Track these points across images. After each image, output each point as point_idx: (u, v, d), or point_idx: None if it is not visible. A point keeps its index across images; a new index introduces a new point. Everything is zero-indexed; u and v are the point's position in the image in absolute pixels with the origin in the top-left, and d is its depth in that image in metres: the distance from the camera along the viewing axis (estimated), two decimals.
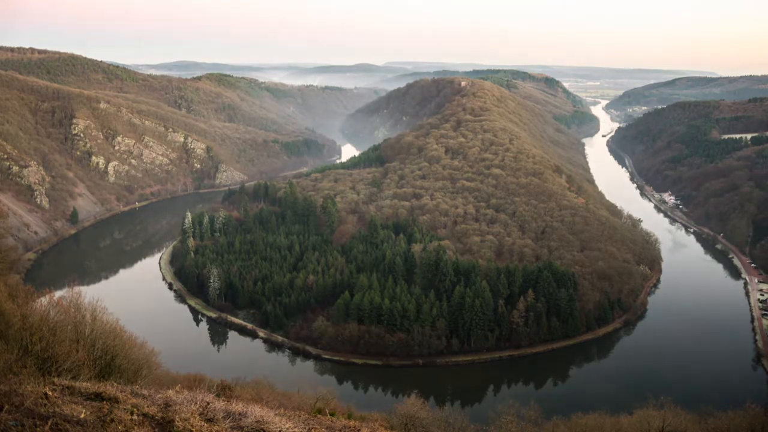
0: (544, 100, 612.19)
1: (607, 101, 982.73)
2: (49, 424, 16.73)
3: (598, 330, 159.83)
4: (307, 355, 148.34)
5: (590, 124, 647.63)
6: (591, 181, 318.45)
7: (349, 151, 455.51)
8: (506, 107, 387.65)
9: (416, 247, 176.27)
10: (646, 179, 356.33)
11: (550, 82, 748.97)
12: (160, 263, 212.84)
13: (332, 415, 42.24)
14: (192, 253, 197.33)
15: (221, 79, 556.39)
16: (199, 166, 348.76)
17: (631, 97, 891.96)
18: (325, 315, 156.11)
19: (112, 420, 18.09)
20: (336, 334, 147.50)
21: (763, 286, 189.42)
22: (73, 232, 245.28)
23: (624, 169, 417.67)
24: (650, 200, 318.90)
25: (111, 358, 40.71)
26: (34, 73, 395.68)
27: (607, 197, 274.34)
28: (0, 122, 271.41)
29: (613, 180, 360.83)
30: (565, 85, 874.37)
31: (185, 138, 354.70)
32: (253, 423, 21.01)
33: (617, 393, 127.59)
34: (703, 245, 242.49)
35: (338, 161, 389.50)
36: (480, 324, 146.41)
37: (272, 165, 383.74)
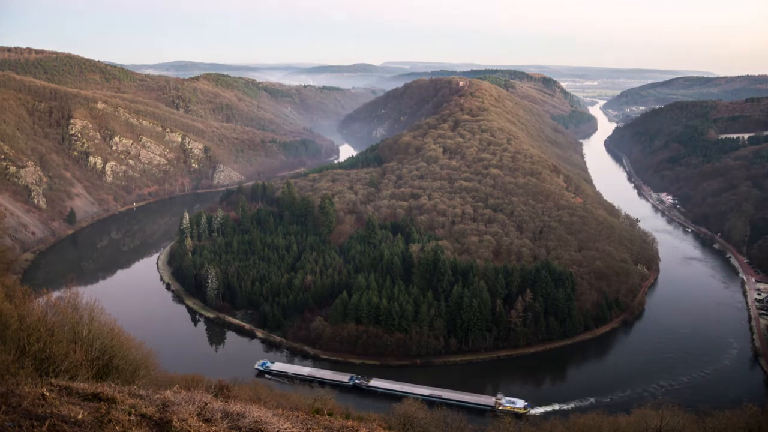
0: (541, 100, 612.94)
1: (605, 101, 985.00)
2: (47, 424, 16.69)
3: (595, 330, 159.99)
4: (305, 355, 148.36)
5: (588, 124, 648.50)
6: (589, 180, 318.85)
7: (346, 151, 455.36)
8: (504, 107, 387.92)
9: (414, 247, 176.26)
10: (644, 179, 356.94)
11: (547, 82, 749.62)
12: (157, 264, 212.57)
13: (330, 415, 42.26)
14: (190, 254, 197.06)
15: (219, 79, 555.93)
16: (196, 166, 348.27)
17: (628, 97, 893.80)
18: (323, 315, 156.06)
19: (110, 420, 18.05)
20: (334, 334, 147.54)
21: (761, 286, 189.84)
22: (70, 232, 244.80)
23: (622, 168, 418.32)
24: (648, 200, 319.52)
25: (109, 358, 40.63)
26: (32, 73, 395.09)
27: (605, 197, 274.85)
28: None
29: (610, 180, 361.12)
30: (563, 85, 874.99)
31: (183, 138, 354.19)
32: (251, 423, 21.00)
33: (615, 392, 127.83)
34: (700, 245, 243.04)
35: (336, 161, 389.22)
36: (478, 324, 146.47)
37: (270, 165, 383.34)
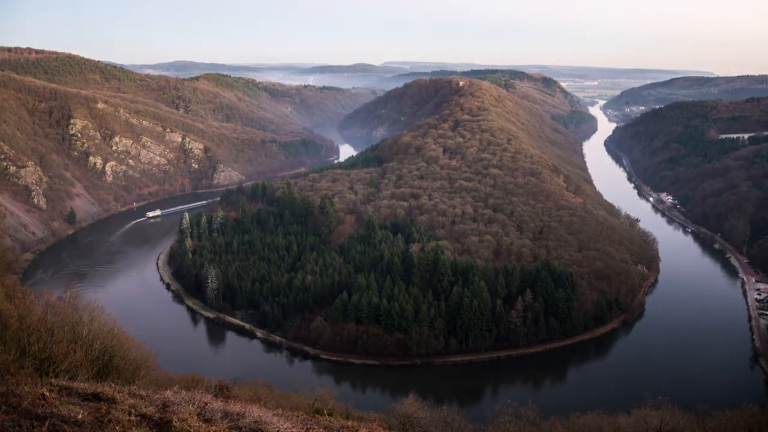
0: (541, 100, 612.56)
1: (605, 101, 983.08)
2: (47, 424, 16.70)
3: (596, 330, 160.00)
4: (305, 356, 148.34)
5: (588, 124, 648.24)
6: (589, 181, 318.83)
7: (347, 152, 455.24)
8: (504, 107, 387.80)
9: (414, 247, 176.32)
10: (644, 179, 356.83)
11: (547, 82, 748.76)
12: (157, 264, 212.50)
13: (330, 415, 42.25)
14: (190, 254, 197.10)
15: (219, 79, 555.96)
16: (196, 166, 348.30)
17: (628, 97, 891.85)
18: (323, 315, 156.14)
19: (110, 420, 18.07)
20: (334, 334, 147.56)
21: (761, 286, 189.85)
22: (70, 232, 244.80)
23: (622, 169, 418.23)
24: (648, 200, 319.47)
25: (109, 358, 40.65)
26: (32, 73, 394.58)
27: (605, 197, 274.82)
28: None
29: (610, 180, 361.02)
30: (563, 84, 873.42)
31: (183, 138, 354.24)
32: (251, 423, 21.02)
33: (615, 393, 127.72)
34: (700, 245, 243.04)
35: (336, 161, 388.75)
36: (478, 324, 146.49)
37: (270, 165, 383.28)
